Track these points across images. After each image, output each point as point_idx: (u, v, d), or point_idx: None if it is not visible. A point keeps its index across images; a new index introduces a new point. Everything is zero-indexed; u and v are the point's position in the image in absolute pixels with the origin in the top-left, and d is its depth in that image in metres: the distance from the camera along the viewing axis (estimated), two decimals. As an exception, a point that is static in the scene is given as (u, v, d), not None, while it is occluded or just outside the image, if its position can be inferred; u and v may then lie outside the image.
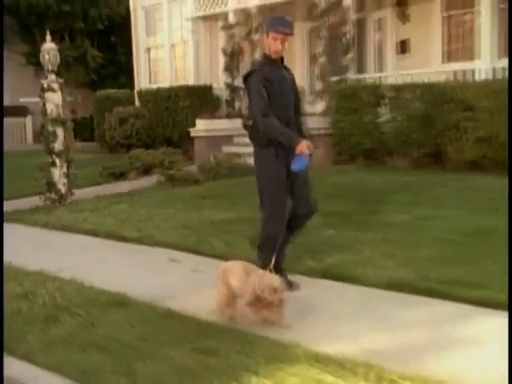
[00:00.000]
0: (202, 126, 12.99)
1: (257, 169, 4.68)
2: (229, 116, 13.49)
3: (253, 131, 4.62)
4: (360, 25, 13.77)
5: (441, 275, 4.70)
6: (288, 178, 4.52)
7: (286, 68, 4.69)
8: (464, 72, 11.07)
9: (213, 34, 14.51)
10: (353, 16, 12.46)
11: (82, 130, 17.65)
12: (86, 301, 4.44)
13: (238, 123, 13.08)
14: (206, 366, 3.29)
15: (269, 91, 4.44)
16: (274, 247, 4.38)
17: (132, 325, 3.93)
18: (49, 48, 8.70)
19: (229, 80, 13.79)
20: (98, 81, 20.28)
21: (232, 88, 13.69)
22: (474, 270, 4.79)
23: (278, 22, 4.56)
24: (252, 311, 3.89)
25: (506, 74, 10.33)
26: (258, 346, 3.52)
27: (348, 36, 12.07)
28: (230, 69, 13.71)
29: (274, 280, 3.84)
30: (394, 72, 12.81)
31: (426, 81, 10.87)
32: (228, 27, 13.66)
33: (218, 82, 14.33)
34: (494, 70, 10.56)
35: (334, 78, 12.14)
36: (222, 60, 13.91)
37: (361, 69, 13.58)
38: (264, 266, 4.21)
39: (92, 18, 19.98)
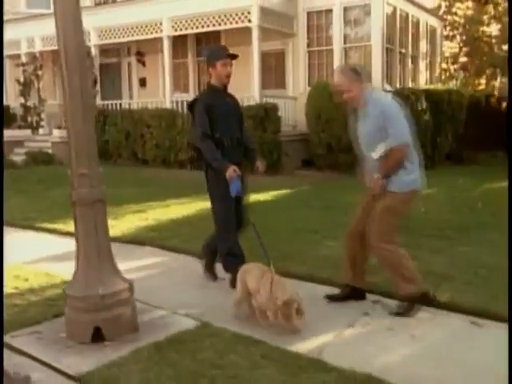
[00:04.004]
0: (-4, 134, 17.25)
1: (208, 186, 4.84)
2: (20, 127, 17.86)
3: (198, 153, 4.83)
4: (117, 65, 18.62)
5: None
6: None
7: (229, 95, 4.91)
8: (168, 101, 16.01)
9: (16, 68, 18.82)
10: (101, 60, 17.15)
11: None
12: None
13: (27, 132, 17.65)
14: None
15: (213, 116, 4.63)
16: (233, 253, 4.74)
17: None
18: None
19: (23, 101, 18.06)
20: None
21: (25, 107, 18.03)
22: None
23: (221, 51, 4.88)
24: (283, 319, 3.85)
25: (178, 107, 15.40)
26: None
27: (94, 74, 16.76)
28: (23, 94, 17.97)
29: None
30: (137, 100, 17.70)
31: (157, 106, 15.55)
32: (21, 64, 18.02)
33: (16, 102, 18.63)
34: (172, 102, 15.53)
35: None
36: (17, 88, 18.26)
37: (119, 96, 18.35)
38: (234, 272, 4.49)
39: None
